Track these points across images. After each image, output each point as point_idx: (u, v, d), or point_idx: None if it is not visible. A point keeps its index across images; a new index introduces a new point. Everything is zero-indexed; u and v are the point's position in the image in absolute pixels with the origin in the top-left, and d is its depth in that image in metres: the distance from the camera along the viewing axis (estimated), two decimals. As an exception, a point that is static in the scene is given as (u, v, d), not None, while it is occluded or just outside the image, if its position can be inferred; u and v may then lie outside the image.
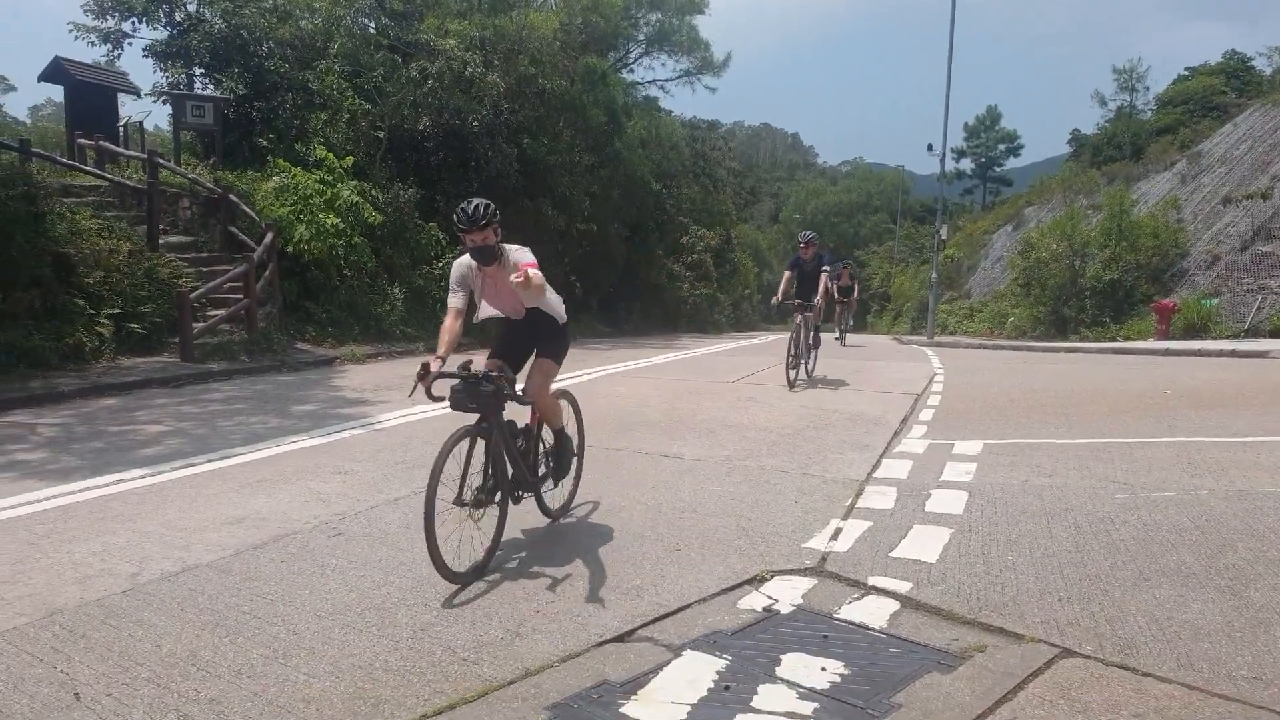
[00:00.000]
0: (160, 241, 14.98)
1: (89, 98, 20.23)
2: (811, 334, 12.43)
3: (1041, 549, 4.87)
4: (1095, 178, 36.60)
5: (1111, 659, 3.53)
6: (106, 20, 20.73)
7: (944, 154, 31.05)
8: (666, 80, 35.68)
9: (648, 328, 29.04)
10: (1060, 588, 4.29)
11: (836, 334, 21.12)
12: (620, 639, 3.76)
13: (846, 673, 3.48)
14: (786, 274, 12.54)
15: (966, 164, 73.98)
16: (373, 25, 21.66)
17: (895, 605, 4.14)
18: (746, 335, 30.23)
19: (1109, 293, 24.70)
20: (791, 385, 11.40)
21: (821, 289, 12.18)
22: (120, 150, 18.90)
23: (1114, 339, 22.38)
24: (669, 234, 33.27)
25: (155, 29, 20.95)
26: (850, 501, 5.89)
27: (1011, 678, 3.43)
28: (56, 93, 25.43)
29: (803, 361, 12.04)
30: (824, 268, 12.35)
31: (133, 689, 3.25)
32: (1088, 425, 8.77)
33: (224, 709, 3.00)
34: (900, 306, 50.72)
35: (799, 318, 12.02)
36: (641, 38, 32.36)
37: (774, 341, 24.35)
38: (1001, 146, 72.54)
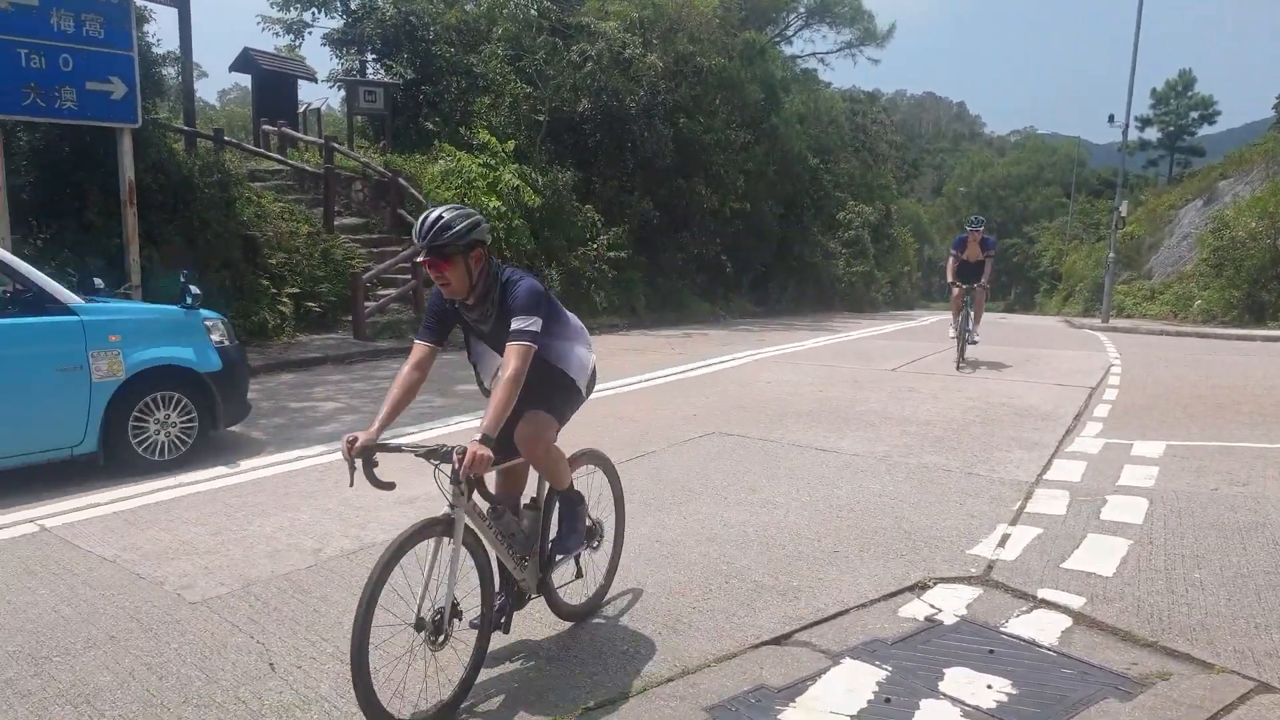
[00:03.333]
0: (335, 223, 15.84)
1: (273, 85, 21.57)
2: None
3: (1234, 567, 4.53)
4: (1303, 146, 33.30)
5: (1315, 698, 3.26)
6: (290, 11, 22.04)
7: (1127, 123, 29.03)
8: (826, 53, 35.00)
9: (800, 307, 28.63)
10: (1256, 613, 3.98)
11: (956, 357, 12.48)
12: (777, 642, 3.75)
13: (1014, 692, 3.35)
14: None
15: (1152, 133, 68.25)
16: (534, 9, 22.08)
17: (1067, 621, 3.96)
18: (905, 315, 29.36)
19: (1316, 276, 22.55)
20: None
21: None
22: (299, 135, 20.09)
23: (1320, 327, 20.48)
24: (825, 210, 32.55)
25: (332, 17, 22.14)
26: (1018, 505, 5.64)
27: (1200, 711, 3.22)
28: (243, 78, 27.16)
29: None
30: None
31: (319, 663, 3.48)
32: (1287, 427, 8.09)
33: (400, 688, 3.15)
34: (1072, 286, 47.90)
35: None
36: (801, 9, 31.72)
37: (936, 323, 23.60)
38: (1194, 114, 66.54)
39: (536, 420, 3.48)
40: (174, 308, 6.82)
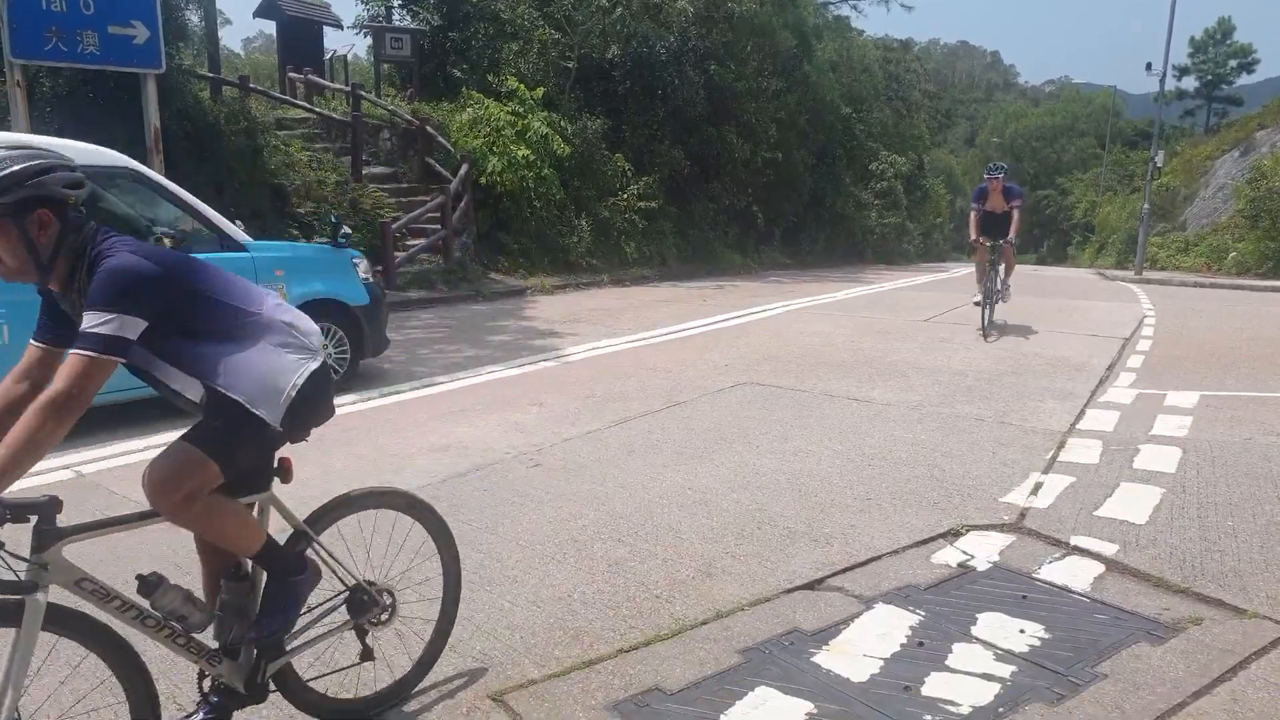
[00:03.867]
0: (363, 172, 15.81)
1: (297, 32, 21.39)
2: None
3: (1267, 515, 4.53)
4: (1346, 95, 32.34)
5: (1349, 644, 3.27)
6: (312, -46, 21.82)
7: (1164, 72, 28.22)
8: (859, -1, 34.10)
9: (831, 259, 28.37)
10: (1290, 561, 3.98)
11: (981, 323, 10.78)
12: (810, 587, 3.79)
13: (1047, 636, 3.38)
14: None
15: (1189, 82, 66.07)
16: (563, -49, 21.69)
17: (1100, 568, 3.97)
18: (937, 267, 29.04)
19: (1354, 226, 22.04)
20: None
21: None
22: (326, 83, 19.96)
23: (1359, 278, 20.05)
24: (857, 160, 31.99)
25: (357, -40, 21.88)
26: (1051, 454, 5.63)
27: (1231, 655, 3.24)
28: (267, 25, 27.03)
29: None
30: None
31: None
32: (1326, 378, 7.98)
33: (436, 630, 3.21)
34: (1105, 239, 47.10)
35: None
36: (834, -48, 30.95)
37: (968, 275, 23.31)
38: (1232, 63, 64.35)
39: (171, 458, 2.33)
40: (328, 245, 7.37)
